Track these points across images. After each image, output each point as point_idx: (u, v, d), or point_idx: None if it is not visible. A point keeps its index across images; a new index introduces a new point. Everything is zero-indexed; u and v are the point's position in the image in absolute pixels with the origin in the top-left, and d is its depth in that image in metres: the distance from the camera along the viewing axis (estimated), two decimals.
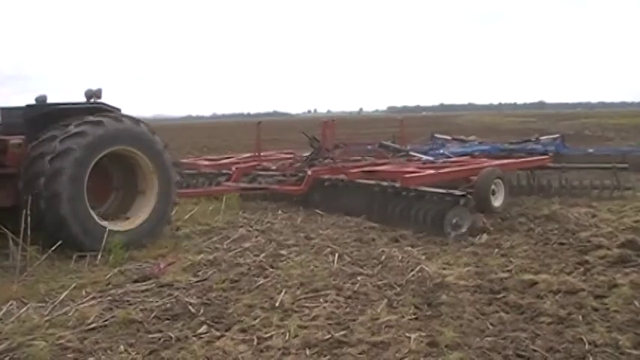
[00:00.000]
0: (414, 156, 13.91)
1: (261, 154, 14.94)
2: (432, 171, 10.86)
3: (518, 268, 6.97)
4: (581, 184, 12.39)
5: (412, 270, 6.99)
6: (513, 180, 12.47)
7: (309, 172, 11.80)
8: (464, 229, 8.89)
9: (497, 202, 10.67)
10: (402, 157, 14.00)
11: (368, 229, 9.47)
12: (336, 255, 7.74)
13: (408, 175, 10.15)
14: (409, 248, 8.09)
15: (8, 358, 4.88)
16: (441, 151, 15.57)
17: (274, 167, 13.54)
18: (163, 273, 7.19)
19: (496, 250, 7.88)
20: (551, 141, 16.75)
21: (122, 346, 5.06)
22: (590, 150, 16.11)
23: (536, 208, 10.86)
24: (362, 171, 11.35)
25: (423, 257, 7.63)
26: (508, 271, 6.88)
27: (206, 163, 14.84)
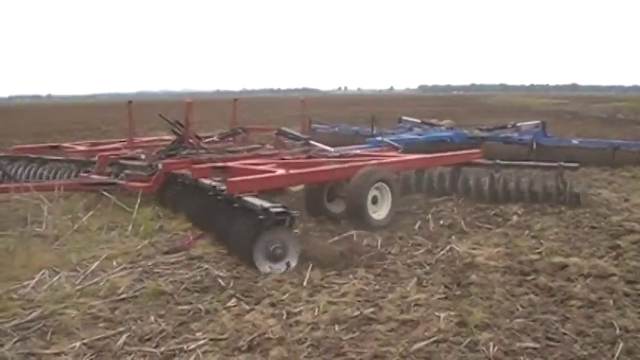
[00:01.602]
0: (315, 146, 11.05)
1: (143, 139, 13.20)
2: (282, 171, 8.13)
3: (549, 250, 6.88)
4: (517, 187, 9.68)
5: (442, 249, 6.98)
6: (432, 180, 10.32)
7: (160, 166, 9.65)
8: (289, 261, 6.47)
9: (379, 213, 8.25)
10: (301, 146, 11.33)
11: None
12: None
13: (236, 179, 7.51)
14: None
15: (41, 325, 4.97)
16: (380, 137, 12.98)
17: (143, 156, 10.74)
18: (193, 246, 7.25)
19: (526, 231, 7.79)
20: (532, 128, 15.11)
21: (152, 317, 5.12)
22: (575, 141, 14.48)
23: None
24: (211, 167, 8.95)
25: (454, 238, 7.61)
26: (538, 253, 6.80)
27: (81, 148, 12.80)
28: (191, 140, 10.60)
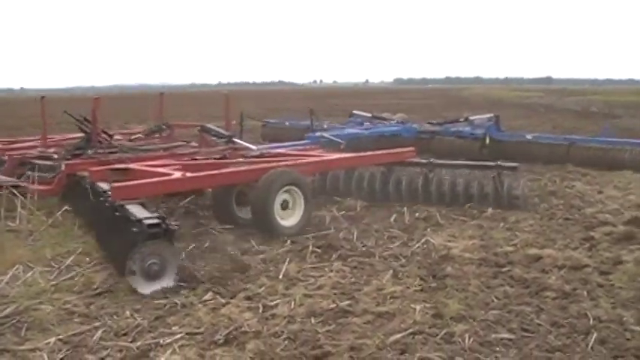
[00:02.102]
0: (238, 144, 10.41)
1: (56, 137, 12.04)
2: (178, 175, 7.37)
3: (524, 242, 6.96)
4: (452, 188, 9.02)
5: (418, 242, 7.02)
6: (362, 181, 9.45)
7: (63, 167, 8.81)
8: (167, 279, 5.67)
9: (288, 219, 7.58)
10: (225, 144, 10.63)
11: None
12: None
13: (120, 184, 6.73)
14: None
15: (15, 321, 4.91)
16: (319, 133, 12.47)
17: (56, 155, 9.77)
18: None
19: (501, 224, 7.86)
20: (485, 122, 14.55)
21: (128, 312, 5.09)
22: (529, 136, 13.74)
23: None
24: (111, 169, 8.06)
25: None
26: (513, 245, 6.88)
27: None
28: (100, 138, 9.93)
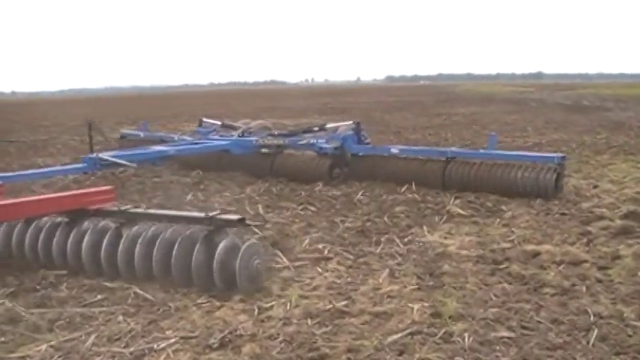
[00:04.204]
0: None
1: None
2: None
3: (521, 238, 6.89)
4: (144, 254, 5.65)
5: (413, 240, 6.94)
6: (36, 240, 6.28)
7: None
8: None
9: None
10: None
11: None
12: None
13: None
14: None
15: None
16: (98, 154, 9.35)
17: None
18: None
19: (497, 220, 7.80)
20: (345, 130, 11.11)
21: (121, 316, 4.99)
22: (395, 149, 10.57)
23: None
24: None
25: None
26: (510, 241, 6.81)
27: None
28: None
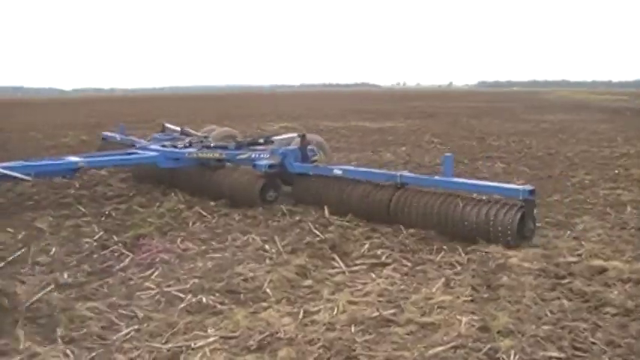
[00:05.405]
0: None
1: None
2: None
3: (589, 252, 6.53)
4: None
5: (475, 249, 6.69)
6: None
7: None
8: None
9: None
10: None
11: None
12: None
13: None
14: None
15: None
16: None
17: None
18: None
19: (568, 232, 7.47)
20: (287, 144, 9.82)
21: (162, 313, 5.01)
22: (338, 170, 8.72)
23: None
24: None
25: None
26: (577, 255, 6.46)
27: None
28: None
